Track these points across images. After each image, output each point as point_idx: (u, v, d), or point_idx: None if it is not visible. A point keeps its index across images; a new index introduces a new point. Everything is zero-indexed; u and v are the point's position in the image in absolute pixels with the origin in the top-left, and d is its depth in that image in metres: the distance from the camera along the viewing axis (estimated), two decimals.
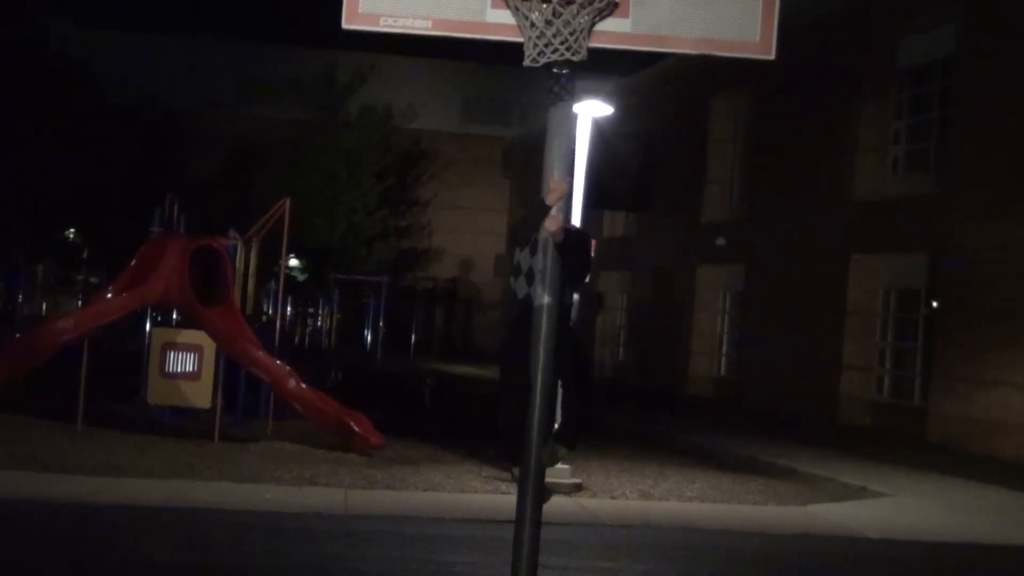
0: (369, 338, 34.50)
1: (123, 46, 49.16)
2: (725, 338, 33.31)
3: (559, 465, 13.57)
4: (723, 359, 33.29)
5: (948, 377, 22.50)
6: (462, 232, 52.84)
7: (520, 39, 7.39)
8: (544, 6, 7.27)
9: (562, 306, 7.71)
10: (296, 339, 28.57)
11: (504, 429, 7.77)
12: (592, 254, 8.95)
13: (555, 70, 7.49)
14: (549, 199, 7.52)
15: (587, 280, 9.48)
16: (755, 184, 31.37)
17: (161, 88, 46.56)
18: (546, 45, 7.29)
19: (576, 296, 12.13)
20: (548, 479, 8.92)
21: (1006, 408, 20.77)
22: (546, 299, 7.52)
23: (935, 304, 24.00)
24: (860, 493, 15.29)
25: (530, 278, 7.74)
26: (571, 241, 7.65)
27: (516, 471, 7.65)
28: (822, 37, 26.57)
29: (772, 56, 7.56)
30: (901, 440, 22.21)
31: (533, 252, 7.66)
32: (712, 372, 33.30)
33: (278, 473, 13.40)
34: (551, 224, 7.49)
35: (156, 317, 17.79)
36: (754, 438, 21.11)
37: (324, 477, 13.37)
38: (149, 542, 9.74)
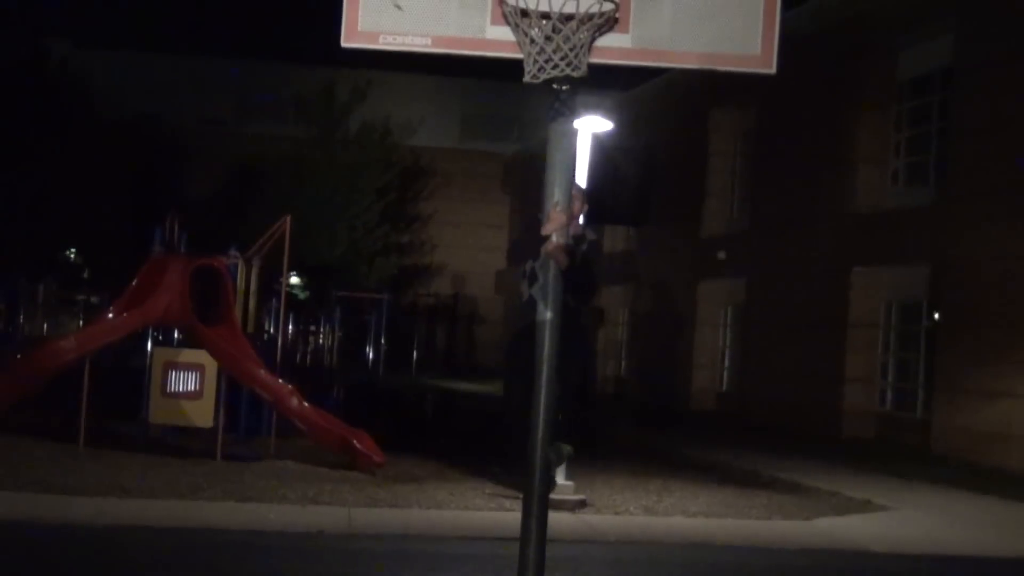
0: (371, 355, 34.45)
1: (122, 65, 49.25)
2: (727, 352, 33.28)
3: (563, 482, 13.60)
4: (725, 373, 33.25)
5: (951, 389, 22.46)
6: (463, 248, 52.85)
7: (520, 55, 7.37)
8: (544, 22, 7.24)
9: (569, 310, 7.69)
10: (298, 357, 28.51)
11: (514, 438, 7.75)
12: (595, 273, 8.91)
13: (555, 86, 7.46)
14: (545, 228, 7.51)
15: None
16: (755, 197, 31.37)
17: (160, 107, 46.61)
18: (546, 61, 7.26)
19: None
20: (553, 496, 8.91)
21: (1009, 419, 20.73)
22: (548, 315, 7.49)
23: (937, 316, 23.97)
24: (864, 506, 15.25)
25: (532, 279, 7.75)
26: (573, 266, 7.63)
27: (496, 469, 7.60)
28: (821, 50, 26.59)
29: (773, 70, 7.54)
30: (905, 453, 22.18)
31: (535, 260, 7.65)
32: (714, 386, 33.26)
33: (281, 492, 13.36)
34: (549, 247, 7.48)
35: (157, 337, 17.75)
36: (757, 452, 21.06)
37: (327, 496, 13.34)
38: (152, 564, 9.70)
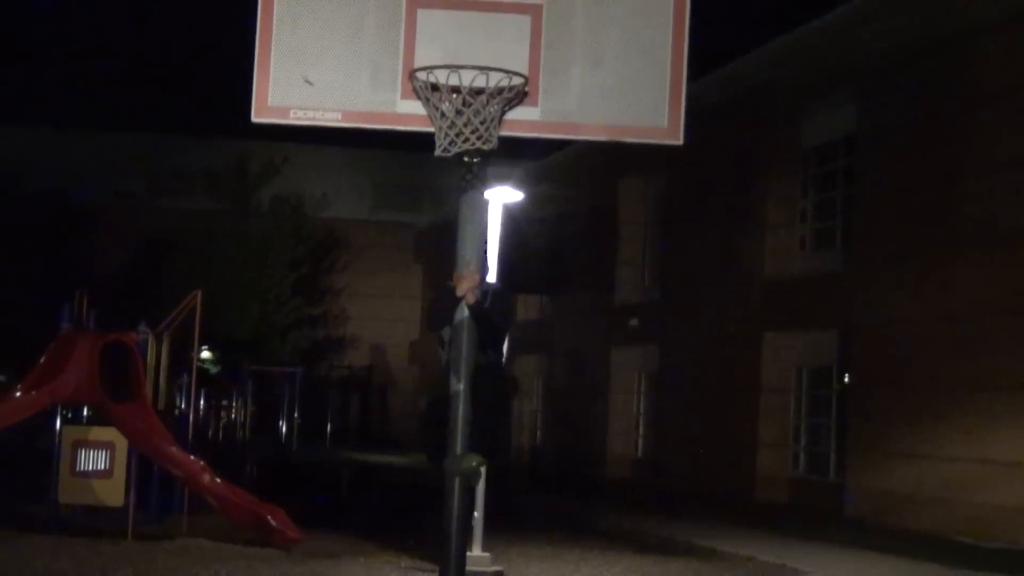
0: (284, 429, 34.19)
1: (32, 139, 48.83)
2: (642, 419, 33.36)
3: (479, 553, 13.53)
4: (640, 440, 33.31)
5: (862, 452, 22.65)
6: (376, 319, 52.71)
7: (431, 129, 7.42)
8: (454, 96, 7.31)
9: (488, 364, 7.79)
10: (210, 433, 28.23)
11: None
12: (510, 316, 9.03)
13: (466, 159, 7.52)
14: (461, 288, 7.58)
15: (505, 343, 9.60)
16: (666, 265, 31.60)
17: (70, 181, 46.23)
18: (457, 135, 7.33)
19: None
20: (469, 567, 8.85)
21: (919, 481, 20.93)
22: (460, 387, 7.51)
23: (847, 380, 24.21)
24: (779, 571, 15.30)
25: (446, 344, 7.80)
26: (484, 306, 7.71)
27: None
28: (728, 118, 26.93)
29: (680, 141, 7.65)
30: (818, 516, 22.28)
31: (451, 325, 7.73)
32: (630, 453, 33.29)
33: (194, 571, 13.16)
34: (463, 286, 7.62)
35: (66, 414, 17.49)
36: (674, 518, 21.09)
37: (242, 573, 13.16)
38: None
